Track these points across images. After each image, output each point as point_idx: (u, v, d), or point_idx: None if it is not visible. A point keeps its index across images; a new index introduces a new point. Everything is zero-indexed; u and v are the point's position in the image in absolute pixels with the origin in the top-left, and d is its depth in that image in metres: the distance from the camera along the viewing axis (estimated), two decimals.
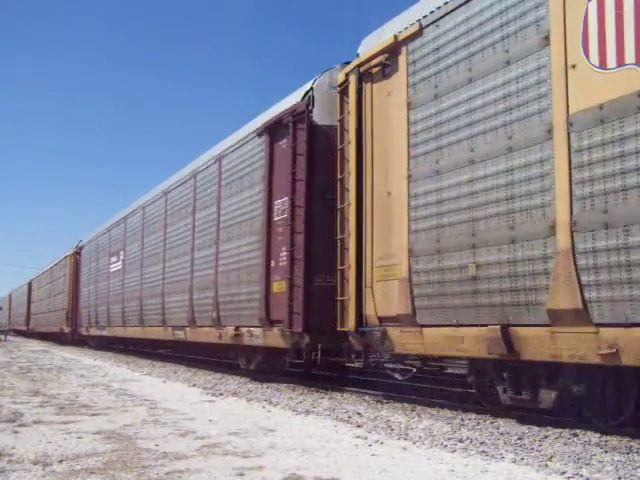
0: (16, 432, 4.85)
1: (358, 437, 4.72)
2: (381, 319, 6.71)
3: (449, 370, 9.34)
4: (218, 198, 10.99)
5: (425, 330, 6.10)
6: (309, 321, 7.95)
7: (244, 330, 9.56)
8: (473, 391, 6.53)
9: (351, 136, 7.33)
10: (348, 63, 7.75)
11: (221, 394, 7.71)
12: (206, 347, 12.82)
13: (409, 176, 6.41)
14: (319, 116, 8.40)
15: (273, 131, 9.13)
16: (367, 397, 7.42)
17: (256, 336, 9.18)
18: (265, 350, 9.51)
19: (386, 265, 6.70)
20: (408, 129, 6.47)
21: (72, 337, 24.82)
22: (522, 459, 3.98)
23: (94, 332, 20.95)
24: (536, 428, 5.13)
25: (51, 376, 10.18)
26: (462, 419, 5.70)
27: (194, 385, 8.91)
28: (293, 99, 8.91)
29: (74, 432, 4.84)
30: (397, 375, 7.09)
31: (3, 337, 34.75)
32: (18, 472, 3.55)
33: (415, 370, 6.87)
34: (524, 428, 5.15)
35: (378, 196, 6.93)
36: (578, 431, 4.94)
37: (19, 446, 4.27)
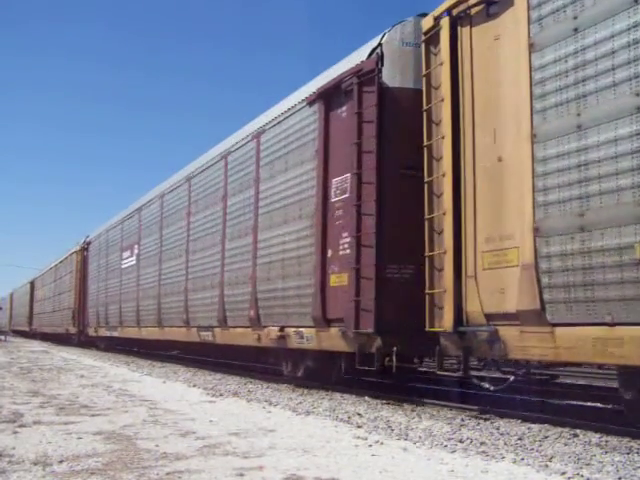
0: (16, 432, 4.85)
1: (358, 437, 4.72)
2: (489, 316, 5.50)
3: (559, 379, 8.38)
4: (256, 180, 9.61)
5: (559, 330, 4.83)
6: (381, 320, 6.65)
7: (291, 331, 8.31)
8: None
9: (444, 92, 6.12)
10: (424, 15, 6.66)
11: (221, 394, 7.71)
12: (240, 350, 11.10)
13: (533, 135, 5.15)
14: (389, 77, 7.09)
15: (329, 98, 7.82)
16: (367, 397, 7.42)
17: (307, 338, 7.93)
18: (318, 354, 8.14)
19: (497, 249, 5.46)
20: (530, 77, 5.21)
21: (79, 338, 23.36)
22: (522, 459, 3.98)
23: (103, 333, 19.54)
24: (536, 428, 5.14)
25: (51, 376, 10.18)
26: (462, 419, 5.70)
27: (194, 385, 8.90)
28: (355, 59, 7.63)
29: (74, 432, 4.84)
30: (487, 384, 6.09)
31: (3, 337, 34.71)
32: (18, 472, 3.55)
33: (512, 379, 5.81)
34: (524, 428, 5.16)
35: (483, 164, 5.68)
36: (578, 431, 4.95)
37: (19, 446, 4.27)
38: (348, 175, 7.26)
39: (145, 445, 4.34)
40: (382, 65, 7.10)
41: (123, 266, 17.25)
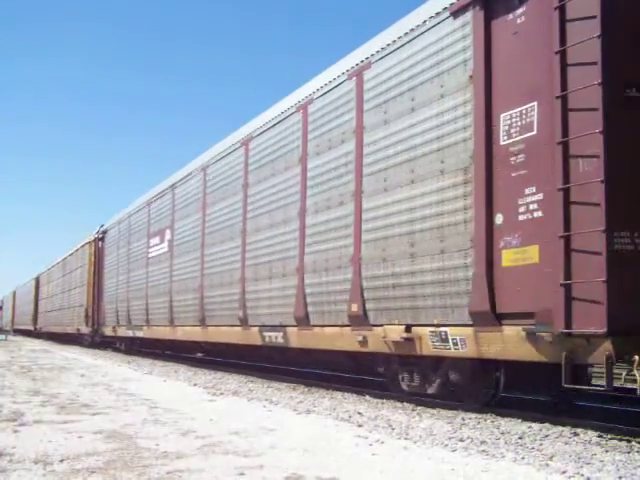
0: (17, 431, 4.85)
1: (359, 436, 4.72)
2: None
3: None
4: (359, 129, 7.28)
5: None
6: (614, 314, 4.47)
7: (425, 332, 6.09)
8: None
9: None
10: None
11: (222, 393, 7.72)
12: (326, 356, 8.53)
13: None
14: None
15: (491, 1, 5.72)
16: (367, 397, 7.42)
17: (456, 341, 5.75)
18: (464, 364, 6.09)
19: None
20: None
21: (92, 338, 21.10)
22: (523, 458, 3.98)
23: (124, 333, 17.00)
24: (537, 427, 5.14)
25: (52, 375, 10.18)
26: (463, 418, 5.69)
27: (195, 384, 8.91)
28: None
29: (75, 431, 4.84)
30: None
31: (4, 336, 34.71)
32: (19, 471, 3.56)
33: None
34: (524, 427, 5.16)
35: None
36: (579, 430, 4.94)
37: (20, 445, 4.28)
38: (534, 104, 5.23)
39: (145, 444, 4.34)
40: None
41: (151, 255, 14.74)
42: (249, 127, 10.39)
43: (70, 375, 10.33)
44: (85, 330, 21.37)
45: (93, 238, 21.11)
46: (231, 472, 3.54)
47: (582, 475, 3.55)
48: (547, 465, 3.80)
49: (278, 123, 9.21)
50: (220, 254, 10.86)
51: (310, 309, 8.06)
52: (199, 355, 14.12)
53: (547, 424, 5.25)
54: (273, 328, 8.94)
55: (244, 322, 9.80)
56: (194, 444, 4.36)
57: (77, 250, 24.02)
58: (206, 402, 6.89)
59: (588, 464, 3.84)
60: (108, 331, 18.86)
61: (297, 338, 8.38)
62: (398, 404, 6.78)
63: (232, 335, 10.31)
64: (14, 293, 52.97)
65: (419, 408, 6.43)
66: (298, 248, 8.39)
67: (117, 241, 18.39)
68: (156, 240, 14.56)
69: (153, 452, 4.08)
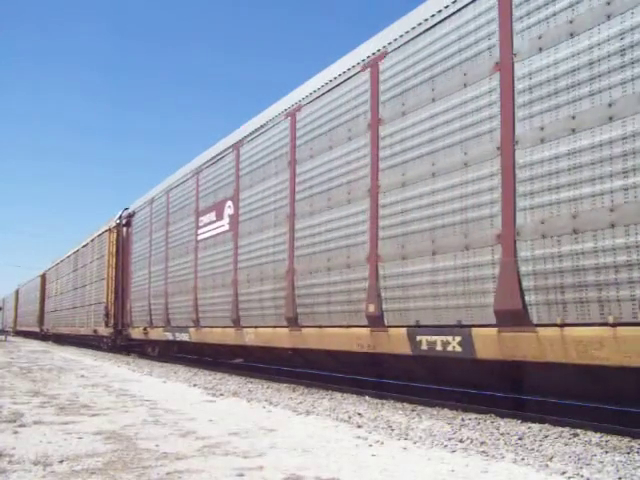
0: (16, 432, 4.85)
1: (358, 437, 4.72)
2: None
3: None
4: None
5: None
6: None
7: None
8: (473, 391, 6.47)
9: None
10: None
11: (221, 394, 7.71)
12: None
13: None
14: None
15: None
16: (367, 397, 7.42)
17: None
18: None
19: None
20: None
21: (114, 342, 17.92)
22: (522, 459, 3.98)
23: (159, 335, 14.03)
24: (536, 428, 5.14)
25: (51, 376, 10.18)
26: (462, 419, 5.70)
27: (194, 385, 8.91)
28: None
29: (74, 432, 4.84)
30: None
31: (3, 337, 34.64)
32: (18, 472, 3.55)
33: None
34: (524, 428, 5.16)
35: None
36: (579, 431, 4.94)
37: (19, 446, 4.27)
38: None
39: (145, 445, 4.34)
40: None
41: (201, 237, 11.81)
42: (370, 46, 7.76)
43: (70, 376, 10.32)
44: (104, 332, 18.38)
45: (114, 224, 17.89)
46: (231, 473, 3.54)
47: (582, 476, 3.55)
48: (547, 466, 3.80)
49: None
50: (326, 225, 7.81)
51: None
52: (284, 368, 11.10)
53: (547, 425, 5.26)
54: (445, 330, 5.91)
55: (376, 321, 6.77)
56: (194, 445, 4.36)
57: (93, 240, 20.77)
58: (206, 403, 6.89)
59: (588, 465, 3.84)
60: (136, 333, 15.77)
61: (496, 346, 5.39)
62: (398, 405, 6.79)
63: (351, 340, 7.20)
64: (16, 292, 49.12)
65: (419, 409, 6.43)
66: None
67: (149, 224, 15.16)
68: (210, 217, 11.52)
69: (153, 453, 4.08)
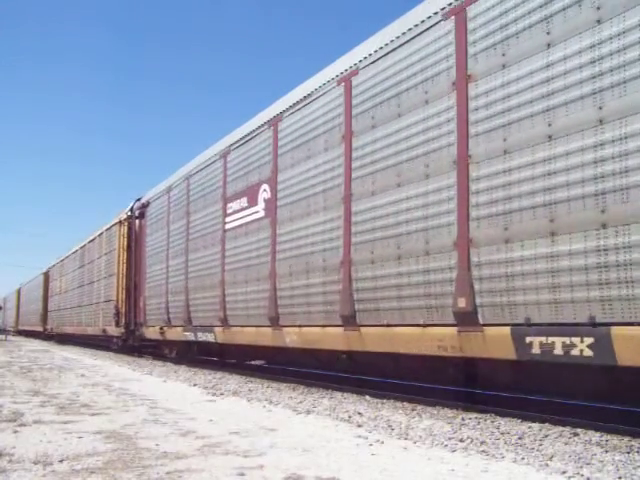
0: (16, 432, 4.85)
1: (359, 437, 4.72)
2: None
3: None
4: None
5: None
6: None
7: None
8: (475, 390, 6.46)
9: None
10: None
11: (222, 394, 7.72)
12: None
13: None
14: None
15: None
16: (367, 397, 7.42)
17: None
18: None
19: None
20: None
21: (125, 342, 16.79)
22: (522, 459, 3.98)
23: (178, 336, 12.77)
24: (537, 427, 5.14)
25: (52, 376, 10.18)
26: (463, 419, 5.69)
27: (195, 385, 8.91)
28: None
29: (74, 432, 4.84)
30: None
31: (3, 337, 34.63)
32: (19, 472, 3.55)
33: None
34: (524, 427, 5.16)
35: None
36: (579, 430, 4.94)
37: (19, 446, 4.28)
38: None
39: (145, 444, 4.34)
40: None
41: (229, 226, 10.61)
42: None
43: (70, 375, 10.32)
44: (114, 331, 17.28)
45: (125, 216, 16.66)
46: (231, 472, 3.54)
47: (582, 475, 3.55)
48: (547, 465, 3.80)
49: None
50: (395, 206, 6.67)
51: None
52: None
53: (547, 424, 5.26)
54: (560, 329, 4.86)
55: (467, 318, 5.68)
56: (194, 444, 4.36)
57: (101, 234, 19.53)
58: (206, 402, 6.89)
59: (588, 464, 3.84)
60: (151, 333, 14.58)
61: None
62: (398, 404, 6.79)
63: (429, 341, 6.11)
64: (18, 291, 47.99)
65: (419, 408, 6.43)
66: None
67: (166, 214, 13.92)
68: (240, 203, 10.31)
69: (153, 452, 4.08)
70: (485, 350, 5.52)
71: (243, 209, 10.19)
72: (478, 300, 5.58)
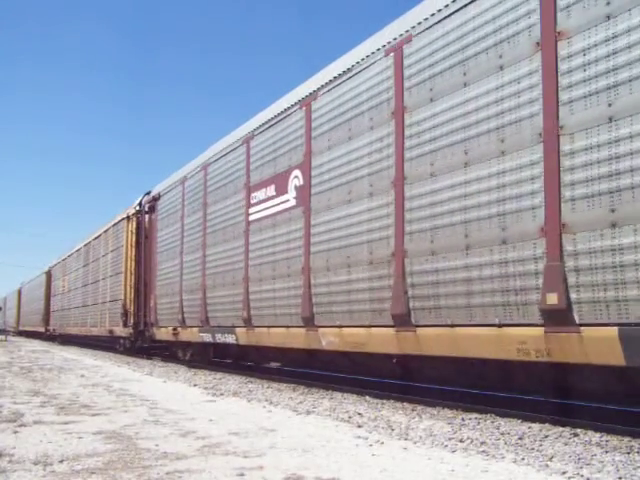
0: (17, 432, 4.85)
1: (359, 437, 4.72)
2: None
3: None
4: None
5: None
6: None
7: None
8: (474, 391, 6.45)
9: None
10: None
11: (222, 394, 7.72)
12: None
13: None
14: None
15: None
16: (368, 397, 7.42)
17: None
18: None
19: None
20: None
21: (133, 343, 16.12)
22: (523, 459, 3.98)
23: (194, 337, 11.88)
24: (536, 428, 5.14)
25: (52, 376, 10.18)
26: (463, 419, 5.69)
27: (195, 385, 8.91)
28: None
29: (74, 432, 4.84)
30: None
31: (4, 337, 34.64)
32: (19, 472, 3.55)
33: None
34: (524, 428, 5.15)
35: None
36: (579, 431, 4.94)
37: (20, 446, 4.28)
38: None
39: (145, 445, 4.34)
40: None
41: (254, 217, 9.76)
42: None
43: (70, 376, 10.32)
44: (122, 332, 16.51)
45: (134, 211, 15.87)
46: (231, 473, 3.54)
47: (582, 476, 3.54)
48: (547, 466, 3.80)
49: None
50: (460, 188, 5.88)
51: None
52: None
53: (547, 424, 5.26)
54: None
55: (559, 316, 4.93)
56: (194, 445, 4.36)
57: (107, 231, 18.73)
58: (206, 403, 6.89)
59: (588, 465, 3.84)
60: (163, 334, 13.71)
61: None
62: (398, 404, 6.79)
63: (506, 344, 5.32)
64: (19, 290, 47.16)
65: (419, 408, 6.43)
66: None
67: (180, 207, 13.05)
68: (266, 192, 9.45)
69: (153, 453, 4.08)
70: (581, 355, 4.73)
71: (270, 198, 9.30)
72: (573, 296, 4.82)
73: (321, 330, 7.77)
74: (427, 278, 6.18)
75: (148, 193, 15.52)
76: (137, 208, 15.77)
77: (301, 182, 8.49)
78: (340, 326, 7.42)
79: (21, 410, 6.04)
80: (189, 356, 13.23)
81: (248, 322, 9.61)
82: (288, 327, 8.52)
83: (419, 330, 6.24)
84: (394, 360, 7.05)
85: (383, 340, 6.72)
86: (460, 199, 5.85)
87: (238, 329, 9.95)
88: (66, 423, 5.29)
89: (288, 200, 8.81)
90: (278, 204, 9.08)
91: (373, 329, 6.86)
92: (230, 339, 10.28)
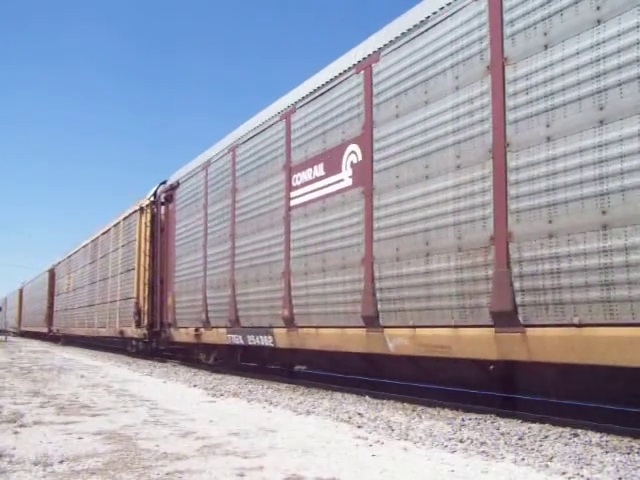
0: (17, 432, 4.85)
1: (359, 437, 4.72)
2: None
3: None
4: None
5: None
6: None
7: None
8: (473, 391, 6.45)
9: None
10: None
11: (222, 395, 7.71)
12: None
13: None
14: None
15: None
16: (367, 397, 7.42)
17: None
18: None
19: None
20: None
21: (148, 345, 14.98)
22: (523, 459, 3.98)
23: (220, 339, 10.65)
24: (537, 428, 5.14)
25: (52, 376, 10.18)
26: (463, 419, 5.69)
27: (195, 386, 8.91)
28: None
29: (75, 432, 4.84)
30: None
31: (4, 338, 34.63)
32: (19, 472, 3.55)
33: None
34: (524, 428, 5.15)
35: None
36: (579, 431, 4.94)
37: (20, 446, 4.28)
38: None
39: (145, 445, 4.34)
40: None
41: (296, 201, 8.53)
42: None
43: (70, 376, 10.32)
44: (134, 333, 15.26)
45: (148, 202, 14.65)
46: (231, 473, 3.54)
47: (582, 476, 3.55)
48: (547, 466, 3.80)
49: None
50: (583, 156, 4.73)
51: None
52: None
53: (547, 425, 5.26)
54: None
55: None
56: (194, 445, 4.36)
57: (117, 225, 17.50)
58: (206, 403, 6.89)
59: (588, 465, 3.84)
60: (182, 335, 12.44)
61: None
62: (398, 405, 6.78)
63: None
64: (20, 290, 45.95)
65: (419, 409, 6.43)
66: None
67: (203, 195, 11.67)
68: (313, 172, 8.22)
69: (153, 453, 4.08)
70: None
71: (318, 179, 8.06)
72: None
73: (387, 331, 6.64)
74: (545, 266, 4.96)
75: (164, 182, 14.25)
76: (151, 199, 14.49)
77: (359, 158, 7.32)
78: (414, 326, 6.27)
79: (21, 410, 6.04)
80: (212, 360, 11.90)
81: (290, 322, 8.42)
82: (343, 327, 7.35)
83: (529, 331, 5.08)
84: (491, 367, 5.87)
85: (476, 343, 5.59)
86: (592, 167, 4.62)
87: (276, 330, 8.78)
88: (66, 423, 5.29)
89: (342, 180, 7.60)
90: (329, 185, 7.85)
91: (461, 329, 5.74)
92: (266, 341, 9.07)
